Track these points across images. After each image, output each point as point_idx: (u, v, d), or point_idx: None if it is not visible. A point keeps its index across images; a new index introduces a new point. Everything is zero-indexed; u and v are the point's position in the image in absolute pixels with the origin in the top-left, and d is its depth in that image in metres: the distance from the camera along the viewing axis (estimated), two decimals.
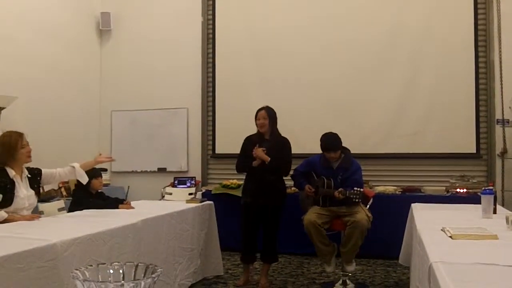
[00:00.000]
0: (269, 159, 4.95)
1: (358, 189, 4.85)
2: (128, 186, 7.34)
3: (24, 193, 3.96)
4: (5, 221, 3.67)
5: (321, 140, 5.14)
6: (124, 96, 7.99)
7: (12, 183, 3.89)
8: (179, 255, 4.55)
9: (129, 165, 7.95)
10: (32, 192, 4.05)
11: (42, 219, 3.90)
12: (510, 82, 6.64)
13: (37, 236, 2.92)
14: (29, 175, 4.08)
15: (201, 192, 6.74)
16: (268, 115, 5.07)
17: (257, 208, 5.04)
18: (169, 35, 7.85)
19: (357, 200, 4.87)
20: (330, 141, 5.09)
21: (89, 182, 4.84)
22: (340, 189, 4.91)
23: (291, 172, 5.40)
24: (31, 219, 3.81)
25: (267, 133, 5.10)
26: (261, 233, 5.16)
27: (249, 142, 5.18)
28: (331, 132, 5.17)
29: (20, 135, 4.04)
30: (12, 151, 3.96)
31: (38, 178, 4.18)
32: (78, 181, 4.99)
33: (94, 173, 4.95)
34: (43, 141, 6.48)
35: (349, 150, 5.22)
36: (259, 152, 4.95)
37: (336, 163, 5.12)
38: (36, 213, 4.38)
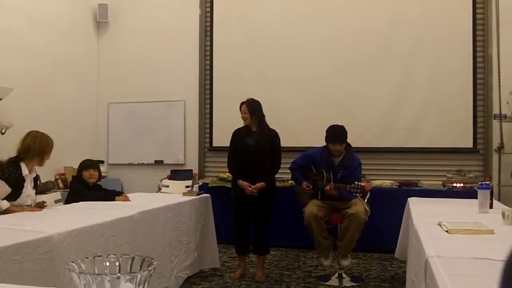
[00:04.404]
0: (264, 184, 5.00)
1: (359, 183, 4.85)
2: (121, 183, 7.40)
3: (29, 191, 4.00)
4: (8, 211, 3.69)
5: (327, 131, 5.10)
6: (121, 88, 7.97)
7: (22, 180, 3.93)
8: (175, 247, 4.56)
9: (126, 157, 7.95)
10: (34, 191, 4.10)
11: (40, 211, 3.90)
12: (508, 77, 6.63)
13: (33, 228, 2.91)
14: (34, 176, 4.12)
15: (198, 185, 6.74)
16: (248, 108, 5.09)
17: (248, 199, 5.05)
18: (167, 28, 7.83)
19: (357, 195, 4.87)
20: (338, 132, 5.06)
21: (80, 175, 4.88)
22: (331, 184, 4.91)
23: (290, 165, 5.40)
24: (34, 210, 3.82)
25: (254, 125, 5.13)
26: (252, 225, 5.20)
27: (238, 135, 5.23)
28: (337, 124, 5.14)
29: (53, 142, 4.14)
30: (43, 153, 4.05)
31: (38, 182, 4.23)
32: (75, 172, 5.04)
33: (84, 165, 4.95)
34: None
35: (351, 146, 5.20)
36: (254, 190, 5.01)
37: (337, 158, 5.10)
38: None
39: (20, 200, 3.90)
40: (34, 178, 4.14)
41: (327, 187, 4.93)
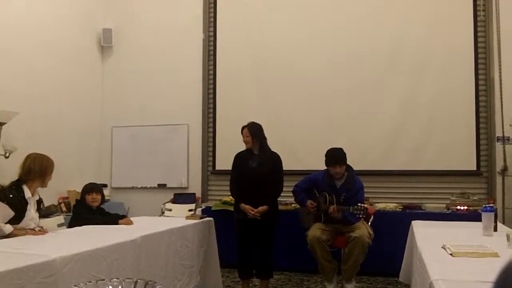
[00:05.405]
0: (267, 207, 4.99)
1: (362, 204, 4.84)
2: (129, 207, 7.40)
3: (32, 214, 3.98)
4: (11, 235, 3.69)
5: (326, 154, 5.15)
6: (125, 112, 8.01)
7: (25, 203, 3.92)
8: (178, 271, 4.53)
9: (129, 181, 7.95)
10: (37, 214, 4.09)
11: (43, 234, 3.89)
12: (510, 99, 6.65)
13: (36, 251, 2.91)
14: (37, 199, 4.12)
15: (201, 209, 6.73)
16: (250, 132, 5.12)
17: (251, 223, 5.03)
18: (171, 52, 7.89)
19: (361, 216, 4.86)
20: (337, 154, 5.12)
21: (84, 198, 4.87)
22: (334, 206, 4.90)
23: (292, 188, 5.40)
24: (37, 234, 3.81)
25: (256, 149, 5.15)
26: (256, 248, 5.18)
27: (240, 159, 5.24)
28: (335, 147, 5.19)
29: (53, 162, 4.15)
30: (44, 174, 4.06)
31: (41, 205, 4.23)
32: (79, 196, 5.04)
33: (86, 189, 4.95)
34: None
35: (352, 168, 5.22)
36: (256, 213, 5.00)
37: (339, 181, 5.12)
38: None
39: (24, 223, 3.89)
40: (37, 201, 4.14)
41: (330, 209, 4.92)
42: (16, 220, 3.84)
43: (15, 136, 5.95)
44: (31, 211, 3.98)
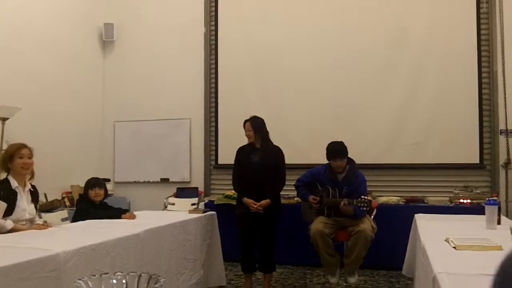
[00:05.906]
0: (269, 201, 4.99)
1: (365, 197, 4.83)
2: (132, 201, 7.42)
3: (25, 205, 3.97)
4: (13, 230, 3.69)
5: (327, 148, 5.14)
6: (127, 107, 8.00)
7: (14, 193, 3.91)
8: (181, 265, 4.54)
9: (132, 175, 7.96)
10: (32, 205, 4.07)
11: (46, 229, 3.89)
12: None
13: (40, 246, 2.91)
14: (31, 189, 4.11)
15: (203, 203, 6.72)
16: (252, 126, 5.12)
17: (253, 217, 5.04)
18: (172, 46, 7.88)
19: (365, 209, 4.84)
20: (337, 148, 5.10)
21: (87, 193, 4.88)
22: (345, 200, 4.88)
23: (294, 183, 5.40)
24: (40, 229, 3.81)
25: (258, 143, 5.15)
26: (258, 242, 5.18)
27: (242, 153, 5.25)
28: (336, 141, 5.19)
29: (21, 145, 4.08)
30: (7, 160, 4.01)
31: (37, 196, 4.23)
32: (82, 190, 5.04)
33: (89, 184, 4.95)
34: (46, 151, 6.48)
35: (354, 162, 5.21)
36: (259, 207, 5.00)
37: (341, 175, 5.11)
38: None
39: (17, 214, 3.86)
40: (32, 192, 4.12)
41: (341, 204, 4.89)
42: (8, 212, 3.82)
43: (17, 131, 5.95)
44: (23, 202, 3.96)
